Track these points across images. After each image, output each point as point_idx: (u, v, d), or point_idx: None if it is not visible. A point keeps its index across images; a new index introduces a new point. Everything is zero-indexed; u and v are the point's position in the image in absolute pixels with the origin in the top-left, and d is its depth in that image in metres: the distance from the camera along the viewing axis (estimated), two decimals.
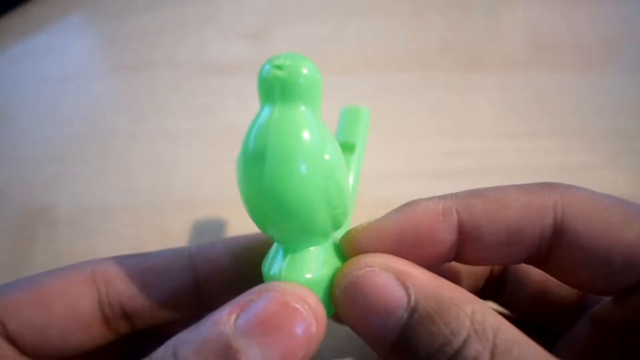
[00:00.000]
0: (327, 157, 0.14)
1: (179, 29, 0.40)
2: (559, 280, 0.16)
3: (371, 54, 0.37)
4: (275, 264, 0.16)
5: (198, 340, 0.13)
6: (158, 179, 0.32)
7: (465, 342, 0.12)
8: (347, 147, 0.21)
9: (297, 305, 0.14)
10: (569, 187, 0.15)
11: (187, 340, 0.13)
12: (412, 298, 0.13)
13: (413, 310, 0.13)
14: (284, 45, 0.38)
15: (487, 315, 0.13)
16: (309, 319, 0.14)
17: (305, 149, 0.14)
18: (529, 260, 0.16)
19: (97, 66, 0.39)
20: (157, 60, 0.38)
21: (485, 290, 0.21)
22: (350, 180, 0.20)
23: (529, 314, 0.20)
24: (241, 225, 0.29)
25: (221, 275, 0.18)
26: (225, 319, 0.13)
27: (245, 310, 0.13)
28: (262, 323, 0.13)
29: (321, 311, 0.14)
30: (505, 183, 0.16)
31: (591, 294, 0.18)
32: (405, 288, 0.14)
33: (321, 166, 0.14)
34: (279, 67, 0.14)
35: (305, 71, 0.14)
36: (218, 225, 0.30)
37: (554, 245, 0.15)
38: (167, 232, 0.30)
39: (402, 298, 0.13)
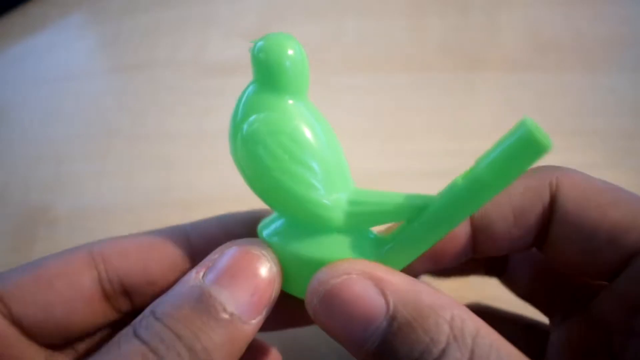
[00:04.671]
0: (245, 126, 0.15)
1: (179, 29, 0.40)
2: (555, 264, 0.17)
3: (371, 54, 0.37)
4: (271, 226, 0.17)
5: (173, 298, 0.14)
6: (158, 179, 0.32)
7: (444, 350, 0.12)
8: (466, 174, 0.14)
9: (257, 252, 0.15)
10: (565, 170, 0.16)
11: (162, 301, 0.14)
12: (391, 305, 0.13)
13: (392, 318, 0.13)
14: None
15: (466, 320, 0.13)
16: (271, 261, 0.15)
17: (232, 119, 0.16)
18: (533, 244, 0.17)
19: (97, 66, 0.39)
20: (158, 60, 0.38)
21: (490, 268, 0.22)
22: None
23: (529, 294, 0.20)
24: None
25: None
26: (195, 277, 0.14)
27: (212, 267, 0.15)
28: (228, 272, 0.14)
29: (277, 261, 0.15)
30: None
31: (585, 280, 0.18)
32: (384, 295, 0.13)
33: (238, 135, 0.15)
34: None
35: (259, 51, 0.16)
36: None
37: (549, 222, 0.16)
38: None
39: (381, 306, 0.13)
